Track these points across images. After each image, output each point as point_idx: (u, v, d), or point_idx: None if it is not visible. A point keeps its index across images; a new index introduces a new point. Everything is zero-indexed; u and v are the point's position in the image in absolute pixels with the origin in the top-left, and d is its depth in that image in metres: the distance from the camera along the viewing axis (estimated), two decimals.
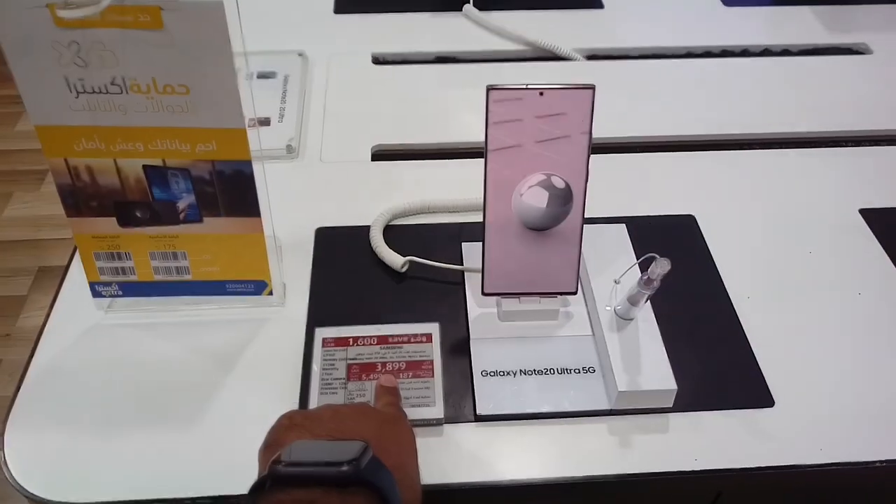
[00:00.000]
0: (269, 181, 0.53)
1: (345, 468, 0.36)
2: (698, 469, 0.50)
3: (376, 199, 0.67)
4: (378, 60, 0.87)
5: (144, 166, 0.50)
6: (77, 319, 0.58)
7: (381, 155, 0.75)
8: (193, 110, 0.47)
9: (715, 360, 0.56)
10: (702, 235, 0.66)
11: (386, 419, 0.46)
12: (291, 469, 0.37)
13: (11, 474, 0.48)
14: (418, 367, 0.54)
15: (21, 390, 0.53)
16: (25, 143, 1.96)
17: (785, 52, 0.92)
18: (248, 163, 0.50)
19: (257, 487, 0.37)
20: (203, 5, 0.42)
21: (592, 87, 0.50)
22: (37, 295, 1.61)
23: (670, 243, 0.64)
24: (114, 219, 0.53)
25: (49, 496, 0.47)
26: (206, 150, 0.50)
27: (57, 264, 1.66)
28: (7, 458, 0.49)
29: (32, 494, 0.47)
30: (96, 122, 0.48)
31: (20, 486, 0.47)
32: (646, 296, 0.52)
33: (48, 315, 0.59)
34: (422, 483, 0.45)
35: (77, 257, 0.61)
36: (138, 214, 0.53)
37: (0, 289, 1.62)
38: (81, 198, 0.52)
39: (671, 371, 0.52)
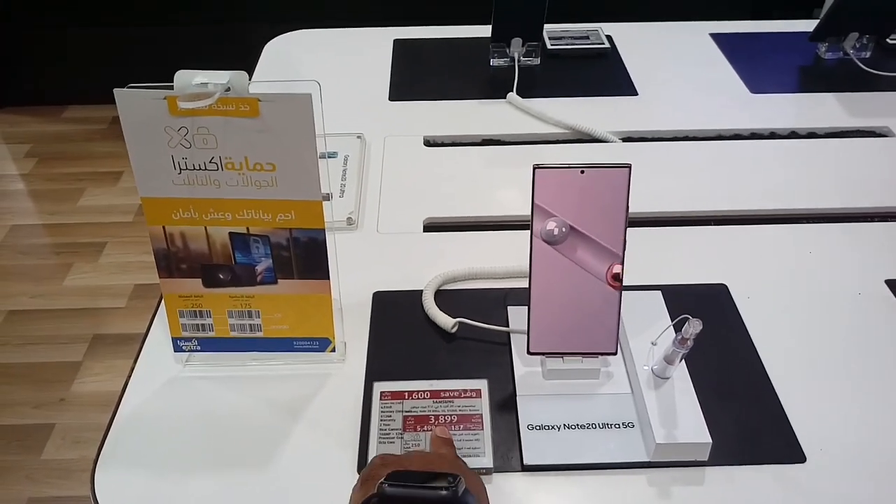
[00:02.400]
0: (331, 250, 0.59)
1: (444, 492, 0.41)
2: None
3: (428, 267, 0.73)
4: (429, 143, 0.95)
5: (230, 233, 0.57)
6: (158, 372, 0.64)
7: (432, 226, 0.81)
8: (278, 184, 0.54)
9: (748, 418, 0.59)
10: (734, 303, 0.70)
11: (465, 469, 0.50)
12: (397, 489, 0.41)
13: None
14: (468, 420, 0.58)
15: (109, 434, 0.59)
16: (87, 217, 2.08)
17: (811, 134, 0.97)
18: (322, 231, 0.57)
19: None
20: (295, 97, 0.50)
21: (629, 166, 0.56)
22: (91, 362, 1.68)
23: (704, 309, 0.69)
24: (199, 280, 0.59)
25: None
26: (285, 220, 0.56)
27: (111, 332, 1.73)
28: (97, 494, 0.54)
29: None
30: (193, 195, 0.55)
31: None
32: (680, 354, 0.56)
33: (132, 368, 0.65)
34: None
35: (159, 316, 0.68)
36: (221, 276, 0.59)
37: (56, 355, 1.70)
38: (173, 261, 0.58)
39: (705, 425, 0.55)
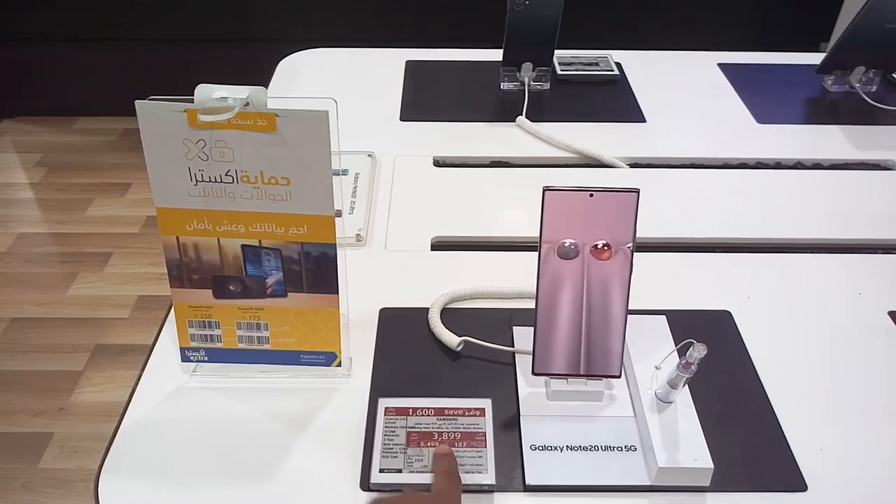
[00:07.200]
0: (341, 265, 0.60)
1: None
2: None
3: (435, 285, 0.74)
4: (438, 163, 0.96)
5: (243, 245, 0.58)
6: (165, 381, 0.64)
7: (439, 245, 0.82)
8: (292, 199, 0.55)
9: (750, 444, 0.60)
10: (737, 329, 0.71)
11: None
12: None
13: None
14: (472, 438, 0.58)
15: (115, 441, 0.59)
16: (93, 227, 2.10)
17: (816, 165, 0.98)
18: (333, 246, 0.58)
19: None
20: (312, 113, 0.51)
21: (637, 191, 0.57)
22: (91, 371, 1.68)
23: (707, 335, 0.69)
24: (210, 291, 0.60)
25: None
26: (297, 234, 0.57)
27: (113, 342, 1.74)
28: (101, 502, 0.55)
29: None
30: (207, 207, 0.56)
31: None
32: (684, 379, 0.56)
33: (140, 376, 0.65)
34: None
35: (167, 325, 0.68)
36: (231, 288, 0.60)
37: (57, 364, 1.70)
38: (185, 272, 0.59)
39: (708, 451, 0.55)
